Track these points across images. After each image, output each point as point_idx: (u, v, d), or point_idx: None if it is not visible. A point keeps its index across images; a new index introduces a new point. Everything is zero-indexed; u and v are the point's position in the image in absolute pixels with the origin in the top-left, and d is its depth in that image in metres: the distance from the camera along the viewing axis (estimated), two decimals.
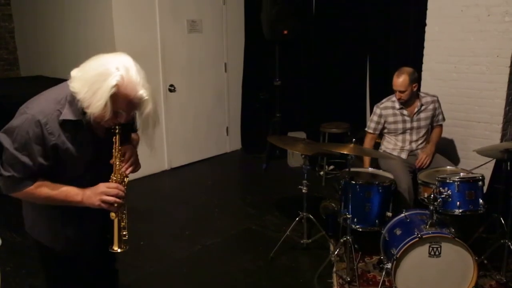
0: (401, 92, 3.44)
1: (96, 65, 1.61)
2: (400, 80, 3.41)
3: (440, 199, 2.80)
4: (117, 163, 1.76)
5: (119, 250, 1.78)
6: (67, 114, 1.65)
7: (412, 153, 3.63)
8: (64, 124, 1.65)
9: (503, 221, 3.07)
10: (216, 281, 3.13)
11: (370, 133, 3.69)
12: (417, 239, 2.62)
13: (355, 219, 3.13)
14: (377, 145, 4.01)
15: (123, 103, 1.60)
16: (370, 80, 5.03)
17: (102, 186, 1.72)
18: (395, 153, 3.66)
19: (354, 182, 3.13)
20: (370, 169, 3.51)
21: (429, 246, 2.64)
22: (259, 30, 5.06)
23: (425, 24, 4.03)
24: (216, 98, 5.76)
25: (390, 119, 3.60)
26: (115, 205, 1.73)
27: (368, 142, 3.71)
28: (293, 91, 5.59)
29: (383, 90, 3.89)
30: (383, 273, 2.84)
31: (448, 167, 3.37)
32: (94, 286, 2.05)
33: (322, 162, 4.97)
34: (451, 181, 2.89)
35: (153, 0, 4.82)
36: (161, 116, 5.14)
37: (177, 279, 3.17)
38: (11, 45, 6.10)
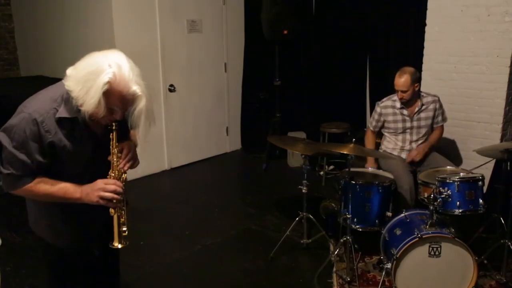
0: (403, 92, 3.44)
1: (89, 63, 1.62)
2: (402, 80, 3.41)
3: (440, 199, 2.80)
4: (115, 159, 1.77)
5: (119, 246, 1.79)
6: (63, 112, 1.67)
7: None
8: (60, 122, 1.67)
9: (503, 221, 3.07)
10: (216, 281, 3.13)
11: (371, 129, 3.77)
12: (417, 239, 2.62)
13: (355, 219, 3.13)
14: (377, 145, 4.02)
15: (116, 99, 1.61)
16: (370, 80, 5.03)
17: (100, 183, 1.72)
18: (395, 153, 3.66)
19: (354, 182, 3.13)
20: (370, 169, 3.51)
21: (429, 246, 2.64)
22: (259, 30, 5.06)
23: (425, 24, 4.03)
24: (216, 98, 5.76)
25: (390, 118, 3.60)
26: (114, 201, 1.73)
27: (368, 137, 3.79)
28: (293, 91, 5.59)
29: (383, 90, 3.90)
30: (383, 273, 2.84)
31: (448, 167, 3.37)
32: (96, 284, 2.05)
33: (322, 162, 4.97)
34: (451, 181, 2.89)
35: (153, 0, 4.82)
36: (161, 116, 5.15)
37: (177, 279, 3.17)
38: (11, 45, 6.10)
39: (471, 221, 3.29)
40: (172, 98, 5.21)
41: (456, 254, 2.63)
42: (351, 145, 2.97)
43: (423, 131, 3.60)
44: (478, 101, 3.87)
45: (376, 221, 3.14)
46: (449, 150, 4.03)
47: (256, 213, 4.17)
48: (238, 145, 6.15)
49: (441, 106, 3.62)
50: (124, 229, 1.80)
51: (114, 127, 1.73)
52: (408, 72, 3.42)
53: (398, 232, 2.86)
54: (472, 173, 3.12)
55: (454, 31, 3.88)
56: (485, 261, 3.02)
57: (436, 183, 2.90)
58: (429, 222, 2.71)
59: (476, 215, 2.96)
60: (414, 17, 4.25)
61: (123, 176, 1.79)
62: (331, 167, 5.05)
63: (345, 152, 2.91)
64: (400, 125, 3.60)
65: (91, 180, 1.75)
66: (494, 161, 3.54)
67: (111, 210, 1.76)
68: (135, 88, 1.62)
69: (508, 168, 2.95)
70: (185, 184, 5.02)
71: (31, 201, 1.89)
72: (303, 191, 3.31)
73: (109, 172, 1.77)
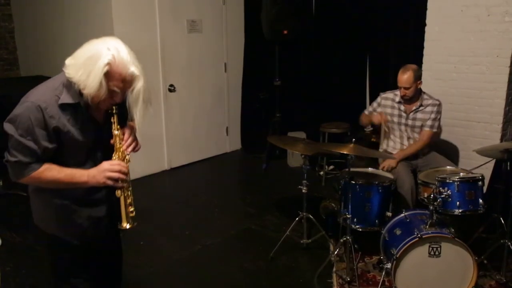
0: (405, 88, 3.45)
1: (88, 49, 1.71)
2: (405, 76, 3.42)
3: (440, 199, 2.80)
4: (118, 141, 1.83)
5: (128, 226, 1.84)
6: (66, 98, 1.73)
7: None
8: (63, 108, 1.73)
9: (503, 221, 3.07)
10: (216, 281, 3.13)
11: (365, 114, 3.79)
12: (417, 239, 2.62)
13: (355, 219, 3.13)
14: (376, 145, 4.02)
15: (116, 80, 1.69)
16: (370, 80, 5.03)
17: (105, 164, 1.79)
18: (395, 152, 3.66)
19: (354, 182, 3.13)
20: (370, 169, 3.51)
21: (429, 246, 2.64)
22: (259, 30, 5.06)
23: (425, 24, 4.03)
24: (216, 98, 5.76)
25: (388, 110, 3.64)
26: (119, 181, 1.79)
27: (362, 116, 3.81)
28: (293, 91, 5.59)
29: (383, 90, 3.89)
30: (383, 273, 2.84)
31: (448, 167, 3.37)
32: (99, 281, 2.06)
33: (322, 162, 4.97)
34: (451, 181, 2.89)
35: (153, 0, 4.83)
36: (161, 116, 5.15)
37: (177, 279, 3.17)
38: (11, 45, 6.10)
39: (471, 221, 3.29)
40: (172, 98, 5.21)
41: (456, 254, 2.63)
42: (351, 145, 2.97)
43: (418, 131, 3.60)
44: (478, 101, 3.87)
45: (376, 221, 3.14)
46: (449, 150, 4.03)
47: (256, 213, 4.17)
48: (238, 145, 6.15)
49: (437, 112, 3.53)
50: (132, 209, 1.85)
51: (114, 111, 1.80)
52: (412, 69, 3.43)
53: (398, 232, 2.86)
54: (472, 173, 3.12)
55: (454, 31, 3.88)
56: (485, 261, 3.02)
57: (436, 183, 2.90)
58: (429, 222, 2.71)
59: (476, 215, 2.97)
60: (414, 17, 4.25)
61: (126, 157, 1.86)
62: (331, 167, 5.05)
63: (345, 152, 2.91)
64: (395, 119, 3.62)
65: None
66: (494, 161, 3.54)
67: (118, 192, 1.81)
68: (133, 69, 1.71)
69: (508, 168, 2.95)
70: (185, 184, 5.02)
71: (36, 197, 1.91)
72: (303, 191, 3.31)
73: (113, 154, 1.83)
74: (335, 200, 3.71)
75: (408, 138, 3.63)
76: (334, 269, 3.15)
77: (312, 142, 3.51)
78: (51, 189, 1.84)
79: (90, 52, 1.69)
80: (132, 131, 1.93)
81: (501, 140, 3.82)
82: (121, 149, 1.84)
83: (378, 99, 3.72)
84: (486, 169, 3.40)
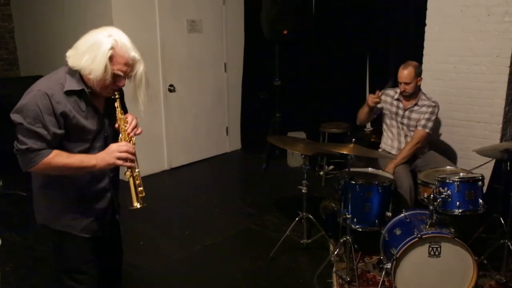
0: (406, 84, 3.46)
1: (89, 38, 1.77)
2: (406, 72, 3.43)
3: (440, 199, 2.80)
4: (122, 123, 1.90)
5: (138, 206, 1.87)
6: (70, 85, 1.78)
7: None
8: (68, 95, 1.77)
9: (502, 221, 3.07)
10: (216, 281, 3.13)
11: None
12: (417, 239, 2.62)
13: (355, 219, 3.13)
14: (376, 145, 4.02)
15: (120, 64, 1.77)
16: (370, 80, 5.03)
17: (113, 145, 1.85)
18: (393, 152, 3.67)
19: (354, 182, 3.13)
20: (370, 169, 3.51)
21: (429, 246, 2.64)
22: (259, 30, 5.06)
23: (425, 24, 4.03)
24: (216, 98, 5.76)
25: (387, 106, 3.64)
26: (128, 161, 1.84)
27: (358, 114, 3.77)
28: (293, 91, 5.59)
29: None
30: (383, 273, 2.84)
31: (448, 167, 3.37)
32: (100, 282, 2.07)
33: (322, 162, 4.97)
34: (450, 181, 2.89)
35: (153, 0, 4.83)
36: (161, 116, 5.15)
37: (177, 279, 3.17)
38: (11, 45, 6.10)
39: (471, 221, 3.29)
40: (172, 98, 5.21)
41: (456, 254, 2.63)
42: (351, 145, 2.97)
43: (413, 129, 3.59)
44: (478, 101, 3.87)
45: (376, 221, 3.14)
46: (449, 150, 4.04)
47: (256, 213, 4.17)
48: (238, 145, 6.15)
49: (432, 113, 3.50)
50: (141, 189, 1.89)
51: (117, 96, 1.87)
52: (412, 65, 3.45)
53: (398, 232, 2.86)
54: (472, 173, 3.12)
55: (454, 31, 3.88)
56: (485, 261, 3.02)
57: (436, 183, 2.90)
58: (429, 222, 2.71)
59: (476, 215, 2.96)
60: (414, 17, 4.25)
61: (132, 139, 1.92)
62: (331, 167, 5.05)
63: (345, 152, 2.91)
64: (393, 116, 3.64)
65: None
66: (494, 161, 3.54)
67: (127, 173, 1.86)
68: (134, 53, 1.80)
69: (508, 168, 2.95)
70: (185, 184, 5.02)
71: (42, 195, 1.94)
72: (303, 191, 3.31)
73: (119, 137, 1.89)
74: (335, 200, 3.71)
75: (405, 136, 3.63)
76: (334, 269, 3.15)
77: (312, 142, 3.51)
78: (57, 185, 1.88)
79: (92, 40, 1.75)
80: (134, 116, 1.99)
81: (501, 140, 3.82)
82: (126, 131, 1.90)
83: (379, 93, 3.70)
84: (486, 169, 3.40)
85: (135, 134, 1.95)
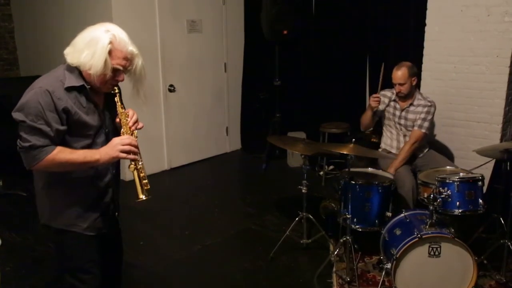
0: (400, 85, 3.46)
1: (86, 35, 1.78)
2: (399, 73, 3.44)
3: (440, 199, 2.80)
4: (124, 117, 1.90)
5: (144, 198, 1.86)
6: (70, 82, 1.79)
7: None
8: (69, 91, 1.78)
9: (502, 221, 3.07)
10: (216, 281, 3.13)
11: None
12: (417, 239, 2.62)
13: (355, 219, 3.13)
14: (376, 145, 4.02)
15: (119, 58, 1.78)
16: (370, 80, 5.03)
17: (116, 139, 1.85)
18: (393, 151, 3.67)
19: (354, 182, 3.13)
20: (370, 169, 3.51)
21: (429, 246, 2.64)
22: (259, 30, 5.06)
23: (425, 24, 4.03)
24: (216, 98, 5.76)
25: (385, 107, 3.65)
26: (131, 154, 1.84)
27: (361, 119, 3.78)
28: (293, 91, 5.58)
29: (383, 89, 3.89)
30: (383, 273, 2.84)
31: (448, 167, 3.37)
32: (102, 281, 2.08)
33: (322, 162, 4.97)
34: (450, 181, 2.89)
35: (153, 0, 4.83)
36: (161, 116, 5.15)
37: (177, 279, 3.17)
38: (11, 45, 6.11)
39: (471, 221, 3.29)
40: (172, 98, 5.21)
41: (456, 254, 2.63)
42: (351, 145, 2.97)
43: (411, 129, 3.59)
44: (478, 101, 3.87)
45: (376, 221, 3.14)
46: (449, 150, 4.04)
47: (256, 213, 4.17)
48: (238, 145, 6.15)
49: (427, 113, 3.50)
50: (145, 181, 1.88)
51: (117, 91, 1.89)
52: (406, 66, 3.46)
53: (398, 232, 2.86)
54: (472, 173, 3.12)
55: (454, 31, 3.88)
56: (485, 261, 3.02)
57: (436, 183, 2.90)
58: (429, 222, 2.71)
59: (476, 215, 2.96)
60: (414, 17, 4.25)
61: (134, 132, 1.93)
62: (331, 167, 5.05)
63: (345, 152, 2.91)
64: (391, 117, 3.65)
65: None
66: (494, 161, 3.54)
67: (131, 166, 1.86)
68: (132, 48, 1.82)
69: (508, 168, 2.95)
70: (185, 184, 5.02)
71: (46, 195, 1.93)
72: (303, 191, 3.31)
73: (121, 131, 1.90)
74: (335, 200, 3.71)
75: (404, 135, 3.64)
76: (334, 269, 3.15)
77: (312, 142, 3.51)
78: (61, 184, 1.88)
79: (90, 36, 1.76)
80: (134, 111, 2.00)
81: (501, 140, 3.82)
82: (128, 125, 1.91)
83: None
84: (486, 169, 3.40)
85: (136, 129, 1.96)
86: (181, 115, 5.37)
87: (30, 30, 5.81)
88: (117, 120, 1.93)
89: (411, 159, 3.59)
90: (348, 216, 3.00)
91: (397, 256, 2.64)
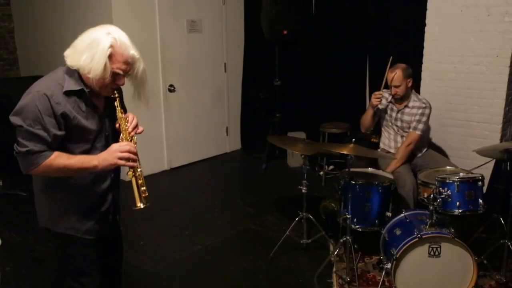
0: (396, 87, 3.47)
1: (87, 37, 1.74)
2: (394, 75, 3.45)
3: (440, 199, 2.80)
4: (123, 122, 1.87)
5: (142, 206, 1.85)
6: (69, 85, 1.76)
7: None
8: (67, 95, 1.75)
9: (502, 221, 3.07)
10: (216, 281, 3.13)
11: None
12: (417, 239, 2.62)
13: (355, 219, 3.13)
14: (376, 145, 4.02)
15: (119, 62, 1.75)
16: (370, 80, 5.03)
17: (115, 145, 1.82)
18: (392, 151, 3.68)
19: (354, 182, 3.13)
20: (370, 169, 3.51)
21: (429, 246, 2.64)
22: (259, 30, 5.06)
23: (425, 24, 4.03)
24: (216, 98, 5.76)
25: (383, 108, 3.66)
26: (130, 161, 1.82)
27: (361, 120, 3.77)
28: (293, 91, 5.59)
29: None
30: (383, 273, 2.84)
31: (447, 167, 3.37)
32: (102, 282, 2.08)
33: (322, 162, 4.97)
34: (450, 181, 2.89)
35: (153, 0, 4.83)
36: (161, 116, 5.15)
37: (177, 279, 3.17)
38: (11, 45, 6.10)
39: (471, 221, 3.29)
40: (171, 98, 5.21)
41: (456, 254, 2.63)
42: (351, 145, 2.97)
43: (407, 130, 3.60)
44: (477, 101, 3.87)
45: (376, 221, 3.14)
46: (449, 150, 4.04)
47: (256, 213, 4.17)
48: (238, 145, 6.15)
49: (422, 114, 3.50)
50: (144, 188, 1.86)
51: (116, 95, 1.85)
52: (400, 67, 3.47)
53: (398, 232, 2.86)
54: (472, 173, 3.12)
55: (454, 31, 3.88)
56: (485, 261, 3.02)
57: (436, 183, 2.90)
58: (429, 222, 2.71)
59: (476, 215, 2.96)
60: (414, 17, 4.25)
61: (133, 138, 1.90)
62: (331, 167, 5.05)
63: (345, 152, 2.91)
64: (388, 118, 3.67)
65: None
66: (494, 161, 3.54)
67: (129, 173, 1.83)
68: (133, 51, 1.79)
69: (508, 168, 2.95)
70: (185, 184, 5.02)
71: (44, 198, 1.92)
72: (303, 191, 3.31)
73: (121, 136, 1.87)
74: (335, 200, 3.71)
75: (401, 136, 3.64)
76: (334, 269, 3.14)
77: (312, 142, 3.51)
78: (59, 187, 1.86)
79: (90, 38, 1.72)
80: (134, 115, 1.98)
81: (501, 140, 3.82)
82: (127, 130, 1.88)
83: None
84: (486, 169, 3.40)
85: (136, 133, 1.93)
86: (181, 115, 5.36)
87: (30, 30, 5.81)
88: (117, 125, 1.90)
89: (410, 158, 3.59)
90: (348, 216, 3.00)
91: (397, 256, 2.64)
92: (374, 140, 4.33)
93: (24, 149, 1.70)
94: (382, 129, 3.80)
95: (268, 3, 4.90)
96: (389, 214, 3.14)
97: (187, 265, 3.32)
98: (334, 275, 3.09)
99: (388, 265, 2.75)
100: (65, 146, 1.79)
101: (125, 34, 1.78)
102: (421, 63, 4.10)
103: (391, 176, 3.33)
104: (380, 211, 3.15)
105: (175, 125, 5.31)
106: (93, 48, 1.70)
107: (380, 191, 3.14)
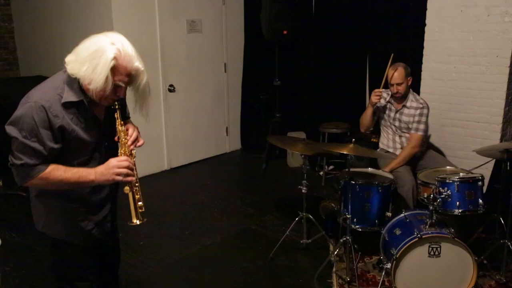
0: (398, 84, 3.47)
1: (91, 44, 1.67)
2: (397, 73, 3.45)
3: (440, 199, 2.80)
4: (123, 136, 1.82)
5: (138, 222, 1.82)
6: (68, 96, 1.70)
7: None
8: (66, 106, 1.69)
9: (502, 221, 3.07)
10: (216, 281, 3.13)
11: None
12: (417, 239, 2.62)
13: (355, 219, 3.13)
14: (376, 145, 4.02)
15: (122, 75, 1.68)
16: (370, 80, 5.03)
17: (113, 160, 1.77)
18: (391, 151, 3.68)
19: (353, 182, 3.13)
20: (370, 169, 3.51)
21: (429, 246, 2.64)
22: (259, 30, 5.06)
23: (424, 24, 4.03)
24: (215, 98, 5.76)
25: (382, 107, 3.67)
26: (128, 177, 1.77)
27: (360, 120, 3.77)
28: (293, 91, 5.59)
29: None
30: (383, 273, 2.84)
31: (447, 167, 3.37)
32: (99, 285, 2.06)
33: (322, 162, 4.97)
34: (450, 181, 2.89)
35: (153, 0, 4.83)
36: (161, 116, 5.15)
37: (177, 279, 3.17)
38: (10, 45, 6.11)
39: (471, 221, 3.29)
40: (171, 98, 5.21)
41: (455, 254, 2.63)
42: (351, 145, 2.97)
43: (406, 131, 3.60)
44: (477, 101, 3.87)
45: (376, 221, 3.14)
46: (449, 150, 4.04)
47: (256, 213, 4.17)
48: (238, 145, 6.15)
49: (421, 115, 3.50)
50: (140, 204, 1.83)
51: (117, 106, 1.78)
52: (401, 66, 3.48)
53: (398, 232, 2.86)
54: (472, 173, 3.12)
55: (453, 31, 3.88)
56: (485, 261, 3.02)
57: (436, 183, 2.90)
58: (428, 222, 2.71)
59: (475, 215, 2.96)
60: (413, 17, 4.25)
61: (132, 153, 1.85)
62: (331, 167, 5.05)
63: (345, 152, 2.91)
64: (386, 117, 3.67)
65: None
66: (493, 161, 3.54)
67: (126, 188, 1.79)
68: (138, 63, 1.70)
69: (508, 168, 2.95)
70: (185, 184, 5.02)
71: (41, 204, 1.88)
72: (303, 191, 3.31)
73: (119, 150, 1.82)
74: (335, 200, 3.72)
75: (400, 136, 3.64)
76: (334, 269, 3.15)
77: (312, 142, 3.52)
78: (55, 194, 1.82)
79: (94, 47, 1.65)
80: (135, 127, 1.93)
81: (501, 140, 3.82)
82: (126, 144, 1.83)
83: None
84: (486, 169, 3.41)
85: (136, 147, 1.88)
86: (181, 115, 5.36)
87: (30, 30, 5.81)
88: (116, 138, 1.84)
89: (412, 161, 3.59)
90: (348, 216, 3.00)
91: (397, 256, 2.65)
92: (374, 140, 4.34)
93: (19, 162, 1.66)
94: (381, 129, 3.81)
95: (268, 3, 4.90)
96: (389, 214, 3.15)
97: (187, 265, 3.32)
98: (334, 275, 3.09)
99: (388, 265, 2.75)
100: (63, 157, 1.73)
101: (130, 44, 1.70)
102: (421, 63, 4.10)
103: (391, 176, 3.33)
104: (380, 211, 3.15)
105: (175, 125, 5.31)
106: (95, 59, 1.62)
107: (380, 191, 3.14)
